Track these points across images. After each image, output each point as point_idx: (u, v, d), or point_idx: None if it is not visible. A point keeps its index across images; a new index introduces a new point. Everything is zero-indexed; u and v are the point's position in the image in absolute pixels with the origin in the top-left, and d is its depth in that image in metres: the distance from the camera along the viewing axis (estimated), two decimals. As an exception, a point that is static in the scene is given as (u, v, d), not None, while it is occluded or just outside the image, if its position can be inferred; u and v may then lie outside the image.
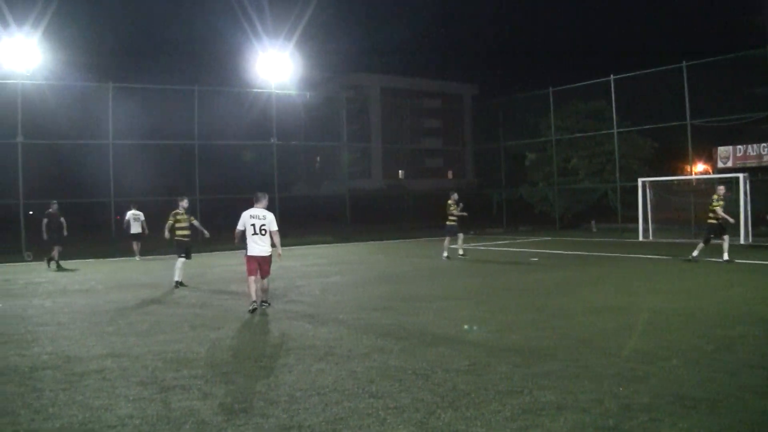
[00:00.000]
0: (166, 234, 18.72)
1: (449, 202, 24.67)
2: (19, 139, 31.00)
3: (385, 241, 37.78)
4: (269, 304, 14.17)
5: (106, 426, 6.61)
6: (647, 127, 37.19)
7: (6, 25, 30.42)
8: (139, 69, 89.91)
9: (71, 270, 24.21)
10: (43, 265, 25.55)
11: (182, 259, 18.58)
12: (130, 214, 28.67)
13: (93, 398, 7.56)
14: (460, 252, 25.07)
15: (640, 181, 34.34)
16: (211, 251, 31.25)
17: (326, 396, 7.37)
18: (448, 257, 24.39)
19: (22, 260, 29.04)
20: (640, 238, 32.98)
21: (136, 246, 28.92)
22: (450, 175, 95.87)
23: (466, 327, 11.37)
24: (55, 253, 25.27)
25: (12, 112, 31.24)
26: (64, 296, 17.13)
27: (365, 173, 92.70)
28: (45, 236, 25.20)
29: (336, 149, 54.07)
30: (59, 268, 24.81)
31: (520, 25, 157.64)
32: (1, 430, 6.60)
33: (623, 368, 8.11)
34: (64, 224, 25.60)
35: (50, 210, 25.56)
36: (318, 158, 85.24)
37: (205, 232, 19.45)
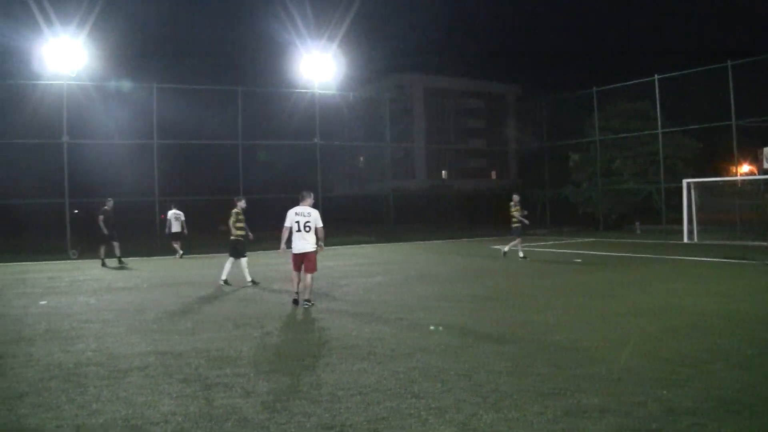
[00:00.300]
0: (235, 232, 18.63)
1: (511, 203, 24.59)
2: (65, 138, 31.37)
3: (428, 242, 37.73)
4: (312, 304, 14.21)
5: (149, 422, 6.69)
6: (692, 127, 36.85)
7: (51, 26, 30.82)
8: (183, 69, 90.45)
9: (116, 268, 24.43)
10: (91, 263, 25.83)
11: (235, 259, 18.76)
12: (171, 213, 28.86)
13: (136, 395, 7.66)
14: (505, 250, 24.99)
15: (684, 182, 33.93)
16: (254, 250, 31.39)
17: (368, 395, 7.41)
18: (524, 257, 24.38)
19: (67, 258, 29.39)
20: (685, 240, 32.66)
21: (176, 245, 29.16)
22: (493, 175, 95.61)
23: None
24: (116, 249, 25.54)
25: (57, 112, 31.63)
26: (109, 294, 17.34)
27: (409, 173, 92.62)
28: (105, 231, 25.42)
29: (379, 149, 54.08)
30: (120, 264, 25.15)
31: (564, 25, 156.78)
32: (45, 425, 6.69)
33: (666, 371, 8.07)
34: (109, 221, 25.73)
35: (106, 207, 25.78)
36: (361, 158, 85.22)
37: (249, 234, 19.41)
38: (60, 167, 31.59)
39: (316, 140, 38.04)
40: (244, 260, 18.70)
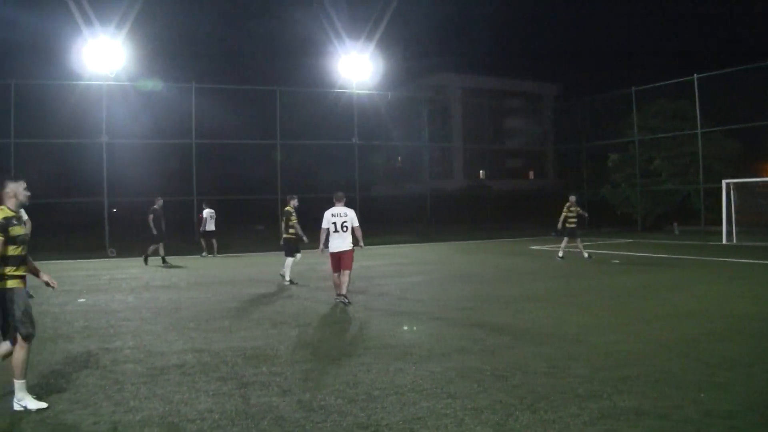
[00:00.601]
0: (288, 231, 18.68)
1: (567, 204, 24.46)
2: (104, 138, 31.66)
3: (465, 242, 37.60)
4: (349, 302, 14.35)
5: (185, 419, 6.76)
6: (732, 127, 36.36)
7: (91, 27, 31.11)
8: (220, 69, 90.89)
9: (160, 267, 24.58)
10: (129, 261, 26.07)
11: (292, 258, 18.78)
12: (207, 212, 28.99)
13: (173, 392, 7.73)
14: (560, 255, 24.67)
15: (724, 182, 33.59)
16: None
17: (404, 395, 7.42)
18: (589, 256, 24.20)
19: (106, 256, 29.64)
20: (724, 241, 32.33)
21: (210, 243, 29.28)
22: (531, 175, 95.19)
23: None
24: (161, 248, 25.63)
25: (97, 112, 31.94)
26: (147, 292, 17.48)
27: (446, 173, 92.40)
28: (154, 231, 25.46)
29: (417, 149, 54.02)
30: (165, 263, 25.28)
31: (603, 24, 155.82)
32: (83, 421, 6.77)
33: (704, 374, 8.01)
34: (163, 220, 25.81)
35: (155, 206, 25.80)
36: (399, 158, 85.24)
37: (303, 236, 19.22)
38: (99, 166, 31.87)
39: (354, 140, 38.09)
40: (290, 259, 18.75)
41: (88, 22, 31.16)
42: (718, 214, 34.00)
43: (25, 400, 7.16)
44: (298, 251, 18.84)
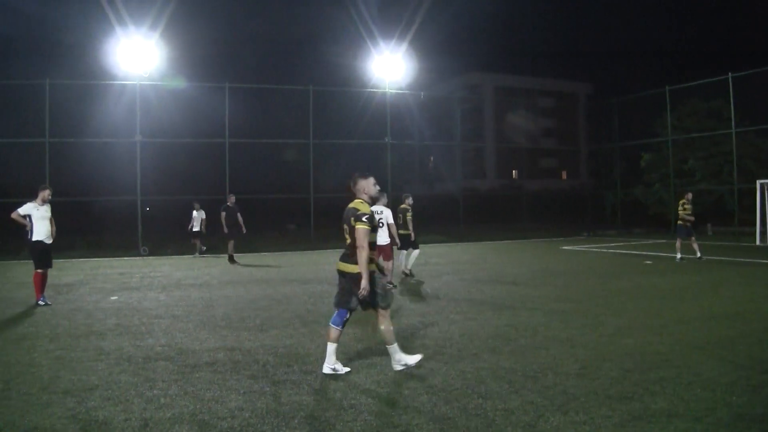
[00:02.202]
0: (405, 227, 19.59)
1: (681, 201, 23.94)
2: (138, 137, 31.85)
3: (498, 242, 37.47)
4: (395, 285, 16.98)
5: (216, 417, 6.78)
6: (767, 126, 36.05)
7: (125, 27, 31.33)
8: (254, 69, 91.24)
9: (188, 265, 24.71)
10: (161, 259, 26.28)
11: (417, 251, 20.30)
12: (198, 213, 29.04)
13: (204, 390, 7.77)
14: (699, 254, 24.24)
15: (758, 183, 33.29)
16: (321, 249, 31.57)
17: (435, 395, 7.41)
18: (681, 258, 23.76)
19: (138, 254, 29.85)
20: (758, 242, 32.07)
21: (195, 244, 29.63)
22: (564, 175, 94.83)
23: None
24: (231, 246, 25.82)
25: (130, 111, 32.17)
26: (179, 290, 17.60)
27: (479, 173, 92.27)
28: (225, 230, 25.71)
29: (450, 149, 53.98)
30: (232, 262, 25.47)
31: (636, 23, 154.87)
32: (114, 417, 6.81)
33: (738, 377, 7.93)
34: (241, 219, 25.79)
35: (228, 203, 25.93)
36: (431, 158, 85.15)
37: (412, 233, 20.03)
38: (133, 165, 32.08)
39: (387, 139, 38.08)
40: (416, 252, 20.24)
41: (122, 22, 31.42)
42: (752, 214, 33.69)
43: (403, 359, 8.65)
44: (417, 246, 20.23)
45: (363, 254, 8.24)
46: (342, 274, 8.63)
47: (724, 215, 40.38)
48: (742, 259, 23.99)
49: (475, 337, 10.49)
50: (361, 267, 8.25)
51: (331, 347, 8.51)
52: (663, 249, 28.89)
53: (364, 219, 8.34)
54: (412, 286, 17.91)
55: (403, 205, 19.93)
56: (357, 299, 8.42)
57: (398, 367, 8.52)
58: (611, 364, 8.61)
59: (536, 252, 29.87)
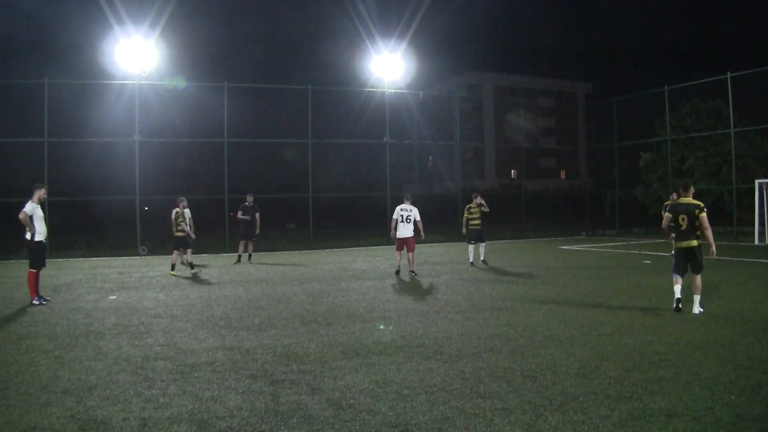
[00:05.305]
0: (472, 222, 23.16)
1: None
2: (136, 137, 31.83)
3: (497, 241, 37.38)
4: (416, 273, 20.00)
5: (215, 417, 6.78)
6: (766, 126, 36.02)
7: (123, 27, 31.32)
8: (253, 69, 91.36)
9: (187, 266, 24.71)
10: (160, 259, 26.26)
11: (479, 243, 23.32)
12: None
13: (203, 389, 7.77)
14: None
15: (757, 182, 33.25)
16: (320, 249, 31.58)
17: (434, 395, 7.40)
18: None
19: (137, 254, 29.85)
20: (756, 242, 32.05)
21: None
22: (563, 175, 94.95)
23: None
24: (249, 247, 25.69)
25: (129, 111, 32.15)
26: (178, 289, 17.60)
27: (478, 172, 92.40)
28: (240, 220, 25.43)
29: (449, 148, 53.99)
30: (250, 261, 25.46)
31: (635, 23, 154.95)
32: (113, 417, 6.81)
33: (737, 376, 7.93)
34: (258, 219, 25.41)
35: (246, 203, 25.61)
36: (431, 157, 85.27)
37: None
38: (132, 165, 32.06)
39: (386, 139, 38.02)
40: (483, 245, 23.45)
41: (121, 21, 31.40)
42: (750, 214, 33.68)
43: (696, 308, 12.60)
44: (483, 240, 23.46)
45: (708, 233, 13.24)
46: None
47: (722, 215, 40.36)
48: (741, 259, 24.01)
49: (474, 337, 10.48)
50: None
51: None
52: (662, 248, 28.90)
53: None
54: (414, 283, 17.89)
55: (471, 205, 23.18)
56: None
57: (696, 310, 12.61)
58: (610, 364, 8.61)
59: (535, 251, 29.88)
